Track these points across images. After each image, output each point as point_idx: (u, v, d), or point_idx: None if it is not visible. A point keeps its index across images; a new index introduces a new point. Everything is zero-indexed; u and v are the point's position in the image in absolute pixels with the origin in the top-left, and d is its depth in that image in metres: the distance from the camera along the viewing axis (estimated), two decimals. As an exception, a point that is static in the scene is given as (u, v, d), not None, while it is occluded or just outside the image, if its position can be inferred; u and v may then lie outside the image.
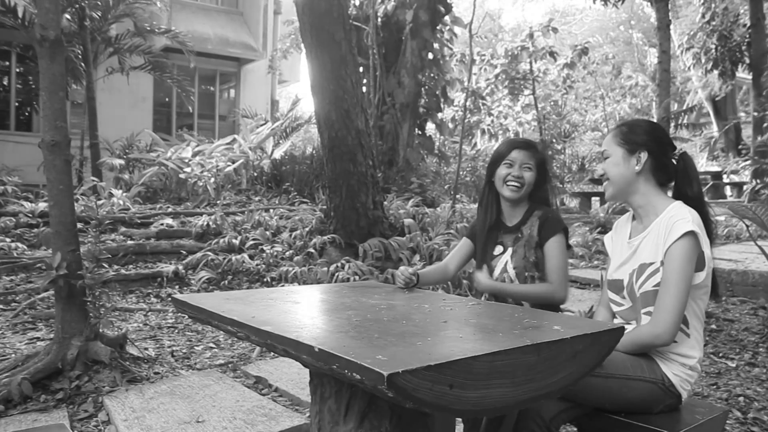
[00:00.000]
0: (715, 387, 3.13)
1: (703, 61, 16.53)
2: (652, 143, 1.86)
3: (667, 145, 1.89)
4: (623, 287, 1.88)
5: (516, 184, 2.27)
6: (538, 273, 2.25)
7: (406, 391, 0.99)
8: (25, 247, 5.86)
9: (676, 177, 1.89)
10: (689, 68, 18.43)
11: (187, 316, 1.81)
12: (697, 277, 1.74)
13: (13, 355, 3.46)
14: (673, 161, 1.89)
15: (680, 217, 1.74)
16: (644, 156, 1.85)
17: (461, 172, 11.30)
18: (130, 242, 6.15)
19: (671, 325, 1.68)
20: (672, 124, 9.52)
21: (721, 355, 3.64)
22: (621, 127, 1.95)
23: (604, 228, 8.23)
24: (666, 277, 1.71)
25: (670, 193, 1.93)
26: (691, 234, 1.69)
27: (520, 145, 2.33)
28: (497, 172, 2.32)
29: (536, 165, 2.30)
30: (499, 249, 2.35)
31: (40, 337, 3.97)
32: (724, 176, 15.62)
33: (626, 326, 1.77)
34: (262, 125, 12.31)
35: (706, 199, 1.90)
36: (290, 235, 6.21)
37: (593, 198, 12.77)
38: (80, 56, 10.14)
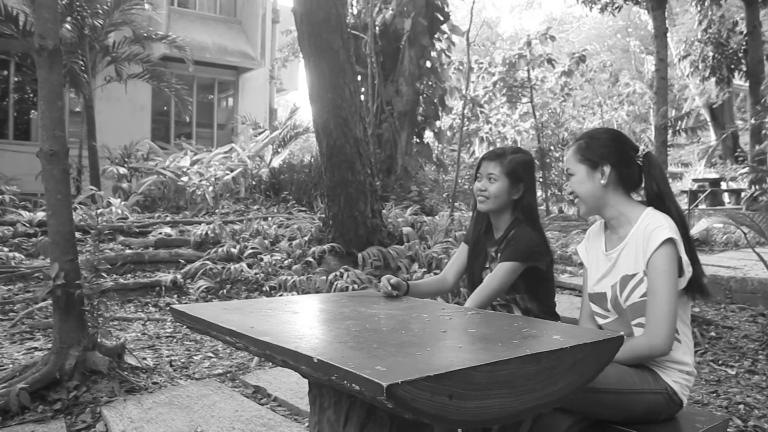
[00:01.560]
0: (714, 395, 3.12)
1: (700, 68, 16.62)
2: (613, 155, 1.84)
3: (629, 151, 1.86)
4: (607, 300, 1.87)
5: (480, 197, 2.25)
6: (517, 294, 2.20)
7: (405, 402, 0.98)
8: (23, 256, 5.86)
9: (643, 178, 1.87)
10: (687, 76, 18.52)
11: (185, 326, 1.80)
12: (680, 282, 1.73)
13: (10, 366, 3.44)
14: (639, 163, 1.86)
15: (656, 224, 1.73)
16: (607, 169, 1.83)
17: (459, 180, 11.30)
18: (128, 251, 6.15)
19: (666, 335, 1.68)
20: (670, 131, 9.55)
21: (720, 362, 3.64)
22: (579, 141, 1.92)
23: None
24: (653, 287, 1.70)
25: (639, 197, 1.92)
26: (670, 241, 1.69)
27: (486, 156, 2.30)
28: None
29: (505, 173, 2.21)
30: (489, 260, 2.32)
31: (38, 347, 3.96)
32: (723, 183, 15.64)
33: None
34: (260, 134, 12.33)
35: (676, 200, 1.86)
36: (289, 244, 6.21)
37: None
38: (83, 68, 10.15)
